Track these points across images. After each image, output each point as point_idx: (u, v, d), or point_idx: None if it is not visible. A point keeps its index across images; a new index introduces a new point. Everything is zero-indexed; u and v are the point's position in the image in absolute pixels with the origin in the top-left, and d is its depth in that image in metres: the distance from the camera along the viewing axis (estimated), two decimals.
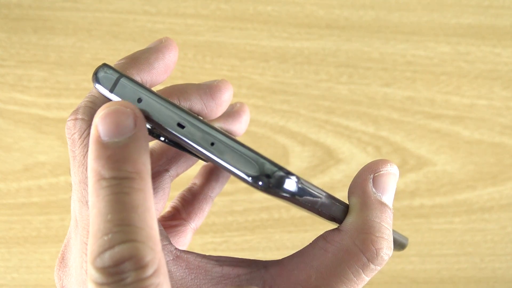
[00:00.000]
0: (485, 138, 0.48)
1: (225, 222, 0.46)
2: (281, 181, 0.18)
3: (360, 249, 0.21)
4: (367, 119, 0.47)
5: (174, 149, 0.28)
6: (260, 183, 0.18)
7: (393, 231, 0.28)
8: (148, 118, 0.19)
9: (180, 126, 0.19)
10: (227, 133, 0.19)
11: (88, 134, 0.21)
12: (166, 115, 0.19)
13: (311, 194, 0.19)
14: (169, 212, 0.30)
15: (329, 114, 0.47)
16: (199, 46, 0.47)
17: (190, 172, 0.33)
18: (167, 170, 0.28)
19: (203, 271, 0.21)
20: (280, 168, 0.18)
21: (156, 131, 0.21)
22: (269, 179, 0.18)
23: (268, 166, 0.18)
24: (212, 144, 0.18)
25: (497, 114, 0.48)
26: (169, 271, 0.20)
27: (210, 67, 0.47)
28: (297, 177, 0.18)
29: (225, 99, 0.26)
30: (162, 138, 0.22)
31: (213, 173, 0.30)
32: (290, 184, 0.18)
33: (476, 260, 0.47)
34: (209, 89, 0.26)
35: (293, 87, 0.47)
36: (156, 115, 0.19)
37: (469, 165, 0.47)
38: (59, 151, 0.46)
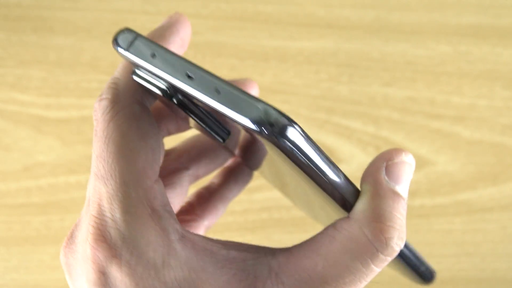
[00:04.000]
0: (486, 138, 0.48)
1: (225, 222, 0.46)
2: (284, 128, 0.18)
3: (369, 238, 0.20)
4: (367, 119, 0.47)
5: (196, 149, 0.28)
6: (264, 129, 0.18)
7: (420, 258, 0.26)
8: (161, 74, 0.20)
9: (189, 77, 0.19)
10: (234, 84, 0.19)
11: (110, 111, 0.21)
12: (177, 67, 0.19)
13: (316, 153, 0.19)
14: (183, 207, 0.30)
15: (329, 114, 0.47)
16: (199, 46, 0.47)
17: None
18: (187, 168, 0.28)
19: (209, 253, 0.21)
20: (286, 116, 0.18)
21: (170, 90, 0.21)
22: (272, 126, 0.18)
23: (273, 113, 0.18)
24: (218, 92, 0.19)
25: (498, 114, 0.48)
26: (175, 250, 0.20)
27: (210, 67, 0.47)
28: (301, 128, 0.18)
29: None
30: (175, 100, 0.22)
31: (232, 174, 0.30)
32: (294, 134, 0.18)
33: (477, 260, 0.47)
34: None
35: (293, 87, 0.47)
36: (168, 68, 0.20)
37: (469, 165, 0.47)
38: (59, 151, 0.46)
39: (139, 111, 0.22)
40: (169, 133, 0.27)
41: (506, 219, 0.47)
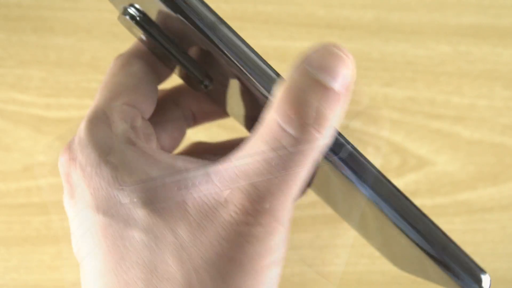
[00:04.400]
0: (486, 138, 0.48)
1: None
2: None
3: (280, 123, 0.19)
4: (367, 119, 0.47)
5: (227, 147, 0.29)
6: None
7: (470, 257, 0.23)
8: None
9: None
10: None
11: (112, 64, 0.25)
12: None
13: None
14: None
15: None
16: None
17: None
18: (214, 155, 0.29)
19: (155, 160, 0.21)
20: None
21: (143, 20, 0.24)
22: None
23: None
24: None
25: (498, 114, 0.48)
26: (122, 152, 0.21)
27: None
28: None
29: None
30: (152, 32, 0.24)
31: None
32: None
33: (477, 260, 0.47)
34: None
35: None
36: None
37: (469, 165, 0.47)
38: (59, 151, 0.46)
39: (134, 62, 0.24)
40: (194, 117, 0.29)
41: (506, 219, 0.47)
